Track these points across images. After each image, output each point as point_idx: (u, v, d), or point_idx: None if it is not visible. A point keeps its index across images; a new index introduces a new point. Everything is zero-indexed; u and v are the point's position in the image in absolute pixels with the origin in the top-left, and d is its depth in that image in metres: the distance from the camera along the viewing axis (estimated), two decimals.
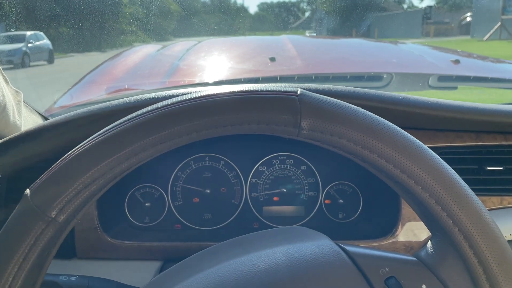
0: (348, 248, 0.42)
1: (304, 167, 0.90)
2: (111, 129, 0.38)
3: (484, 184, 0.80)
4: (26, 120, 0.88)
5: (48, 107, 1.22)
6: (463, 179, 0.39)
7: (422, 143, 0.39)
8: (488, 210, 0.74)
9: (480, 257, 0.37)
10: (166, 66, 1.63)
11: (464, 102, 0.79)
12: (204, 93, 0.39)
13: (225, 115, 0.38)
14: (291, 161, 0.91)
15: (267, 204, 0.90)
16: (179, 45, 2.13)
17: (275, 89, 0.40)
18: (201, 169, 0.90)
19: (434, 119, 0.78)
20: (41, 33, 7.05)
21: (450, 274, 0.40)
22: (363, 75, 1.38)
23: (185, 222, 0.89)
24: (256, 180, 0.90)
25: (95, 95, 1.40)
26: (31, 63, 7.33)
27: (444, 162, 0.39)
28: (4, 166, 0.75)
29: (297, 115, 0.38)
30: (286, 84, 0.77)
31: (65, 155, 0.39)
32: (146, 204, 0.89)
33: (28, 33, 7.01)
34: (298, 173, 0.90)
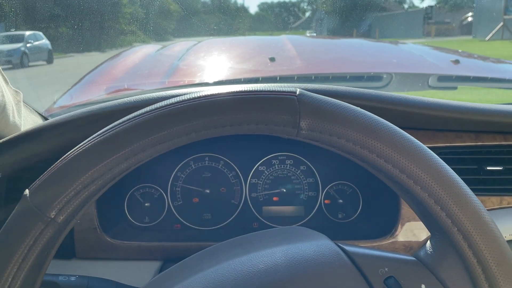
0: (347, 248, 0.42)
1: (304, 167, 0.90)
2: (110, 129, 0.38)
3: (483, 184, 0.80)
4: (26, 120, 0.88)
5: (47, 107, 1.22)
6: (462, 179, 0.39)
7: (421, 143, 0.39)
8: (488, 210, 0.74)
9: (479, 257, 0.37)
10: (165, 66, 1.63)
11: (463, 102, 0.79)
12: (203, 93, 0.39)
13: (224, 115, 0.38)
14: (290, 161, 0.91)
15: (266, 204, 0.90)
16: (178, 45, 2.13)
17: (274, 89, 0.40)
18: (201, 169, 0.90)
19: (434, 119, 0.78)
20: (40, 33, 7.03)
21: (449, 274, 0.40)
22: (363, 75, 1.38)
23: (184, 222, 0.89)
24: (255, 180, 0.90)
25: (95, 95, 1.40)
26: (30, 63, 7.31)
27: (443, 162, 0.39)
28: (4, 166, 0.75)
29: (296, 115, 0.38)
30: (285, 84, 0.77)
31: (65, 155, 0.39)
32: (146, 204, 0.89)
33: (27, 33, 6.99)
34: (297, 173, 0.90)
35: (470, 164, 0.81)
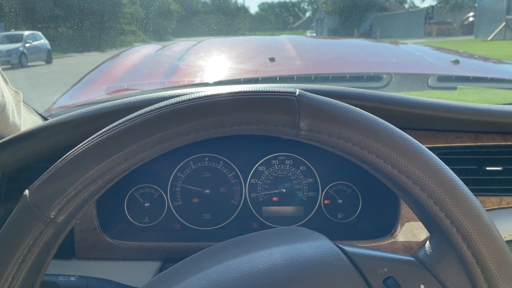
0: (346, 248, 0.42)
1: (304, 167, 0.91)
2: (110, 130, 0.38)
3: (483, 185, 0.80)
4: (26, 120, 0.88)
5: (47, 107, 1.22)
6: (462, 179, 0.39)
7: (420, 144, 0.39)
8: (487, 210, 0.74)
9: (478, 257, 0.37)
10: (165, 66, 1.63)
11: (463, 102, 0.79)
12: (203, 94, 0.40)
13: (224, 116, 0.38)
14: (290, 161, 0.91)
15: (266, 204, 0.90)
16: (178, 45, 2.13)
17: (273, 89, 0.40)
18: (201, 169, 0.90)
19: (433, 120, 0.78)
20: (39, 33, 7.00)
21: (449, 274, 0.40)
22: (363, 75, 1.38)
23: (184, 222, 0.89)
24: (255, 180, 0.90)
25: (95, 95, 1.40)
26: (29, 63, 7.25)
27: (442, 163, 0.39)
28: (4, 166, 0.75)
29: (296, 115, 0.38)
30: (284, 85, 0.77)
31: (65, 156, 0.39)
32: (146, 204, 0.89)
33: (26, 33, 6.95)
34: (297, 173, 0.90)
35: (469, 165, 0.81)
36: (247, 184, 0.90)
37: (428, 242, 0.43)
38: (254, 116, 0.38)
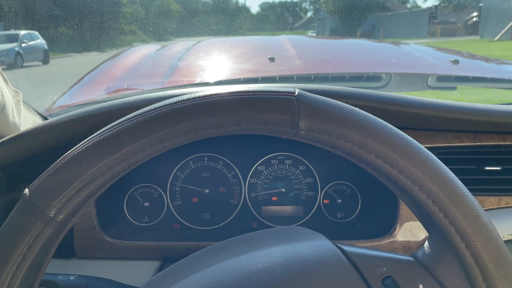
0: (345, 248, 0.42)
1: (303, 167, 0.91)
2: (110, 129, 0.39)
3: (482, 184, 0.80)
4: (26, 120, 0.88)
5: (47, 107, 1.22)
6: (461, 179, 0.39)
7: (419, 144, 0.39)
8: (486, 210, 0.74)
9: (477, 258, 0.37)
10: (165, 66, 1.63)
11: (462, 102, 0.80)
12: (203, 93, 0.40)
13: (223, 116, 0.38)
14: (290, 161, 0.91)
15: (266, 204, 0.90)
16: (178, 45, 2.13)
17: (273, 89, 0.40)
18: (200, 169, 0.90)
19: (432, 119, 0.78)
20: (36, 33, 6.88)
21: (447, 274, 0.40)
22: (362, 75, 1.38)
23: (184, 222, 0.89)
24: (255, 180, 0.90)
25: (95, 95, 1.40)
26: (25, 64, 7.10)
27: (441, 163, 0.39)
28: (3, 165, 0.75)
29: (295, 115, 0.38)
30: (284, 85, 0.77)
31: (64, 155, 0.39)
32: (145, 204, 0.89)
33: (22, 32, 6.80)
34: (297, 173, 0.91)
35: (468, 164, 0.81)
36: (247, 184, 0.90)
37: (427, 242, 0.43)
38: (254, 116, 0.38)
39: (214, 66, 1.59)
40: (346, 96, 0.76)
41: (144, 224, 0.89)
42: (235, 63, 1.60)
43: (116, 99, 0.77)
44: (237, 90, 0.40)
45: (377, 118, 0.40)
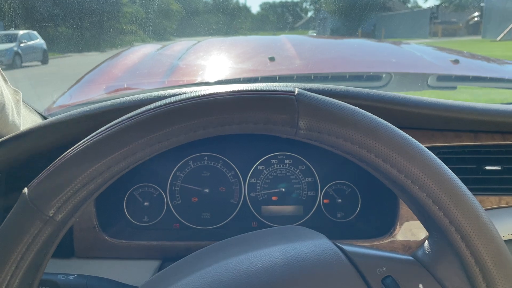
0: (345, 247, 0.42)
1: (303, 167, 0.91)
2: (109, 128, 0.38)
3: (482, 184, 0.80)
4: (25, 119, 0.88)
5: (47, 107, 1.22)
6: (461, 178, 0.39)
7: (419, 143, 0.39)
8: (486, 209, 0.74)
9: (476, 257, 0.37)
10: (165, 65, 1.63)
11: (462, 101, 0.80)
12: (202, 93, 0.40)
13: (223, 115, 0.38)
14: (289, 161, 0.91)
15: (265, 204, 0.90)
16: (178, 45, 2.13)
17: (272, 88, 0.40)
18: (200, 168, 0.90)
19: (433, 119, 0.78)
20: (35, 33, 6.80)
21: (447, 273, 0.40)
22: (362, 75, 1.38)
23: (183, 222, 0.89)
24: (254, 180, 0.90)
25: (94, 94, 1.40)
26: (23, 64, 7.01)
27: (441, 162, 0.39)
28: (3, 164, 0.75)
29: (295, 114, 0.38)
30: (284, 84, 0.77)
31: (64, 154, 0.39)
32: (145, 204, 0.89)
33: (21, 32, 6.70)
34: (296, 172, 0.90)
35: (468, 164, 0.81)
36: (247, 184, 0.90)
37: (426, 241, 0.43)
38: (253, 115, 0.38)
39: (214, 65, 1.59)
40: (346, 95, 0.76)
41: (144, 224, 0.89)
42: (235, 62, 1.60)
43: (116, 99, 0.77)
44: (236, 90, 0.40)
45: (377, 117, 0.39)
